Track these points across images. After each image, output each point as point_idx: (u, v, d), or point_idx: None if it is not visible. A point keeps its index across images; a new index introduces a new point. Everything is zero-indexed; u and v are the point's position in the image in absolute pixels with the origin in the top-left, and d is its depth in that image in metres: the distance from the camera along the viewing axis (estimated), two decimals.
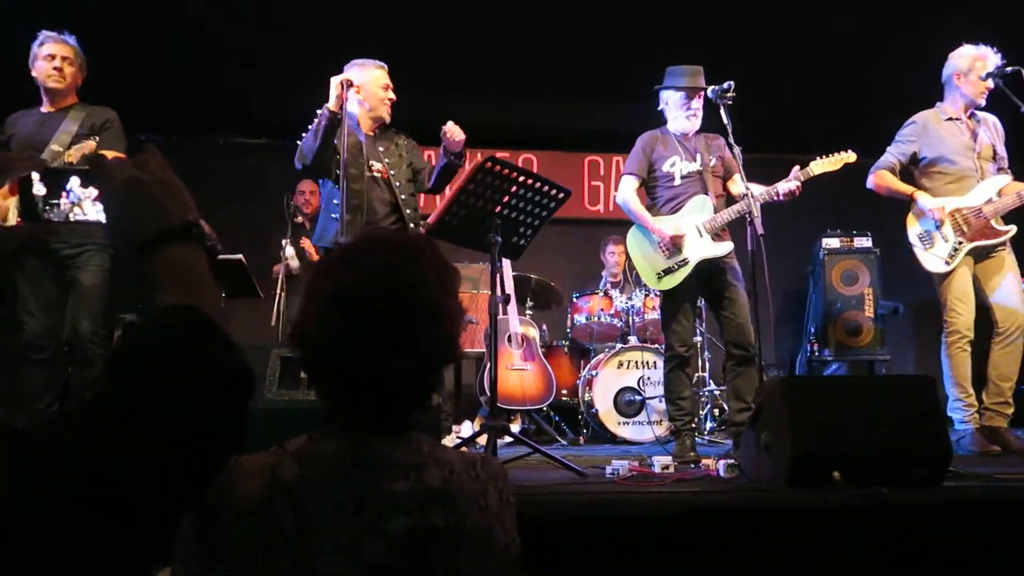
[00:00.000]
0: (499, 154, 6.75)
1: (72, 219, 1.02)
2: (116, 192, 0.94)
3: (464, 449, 3.16)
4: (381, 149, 3.57)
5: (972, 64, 3.84)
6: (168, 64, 5.36)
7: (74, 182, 1.06)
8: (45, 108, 3.56)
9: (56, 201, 1.03)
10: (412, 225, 3.53)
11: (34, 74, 3.54)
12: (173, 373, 0.75)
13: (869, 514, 2.10)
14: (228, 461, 0.82)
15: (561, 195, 3.04)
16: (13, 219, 3.23)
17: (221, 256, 5.00)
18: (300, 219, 5.38)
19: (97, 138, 3.37)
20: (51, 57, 3.51)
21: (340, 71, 3.44)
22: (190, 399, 0.75)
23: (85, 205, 1.04)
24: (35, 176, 1.00)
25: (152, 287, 0.86)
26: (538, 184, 2.96)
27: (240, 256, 4.80)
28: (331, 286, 1.06)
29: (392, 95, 3.61)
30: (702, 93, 3.67)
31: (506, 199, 2.94)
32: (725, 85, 3.47)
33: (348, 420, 1.08)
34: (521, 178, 2.91)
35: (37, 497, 0.65)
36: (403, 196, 3.52)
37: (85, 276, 3.46)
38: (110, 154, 3.32)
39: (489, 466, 1.15)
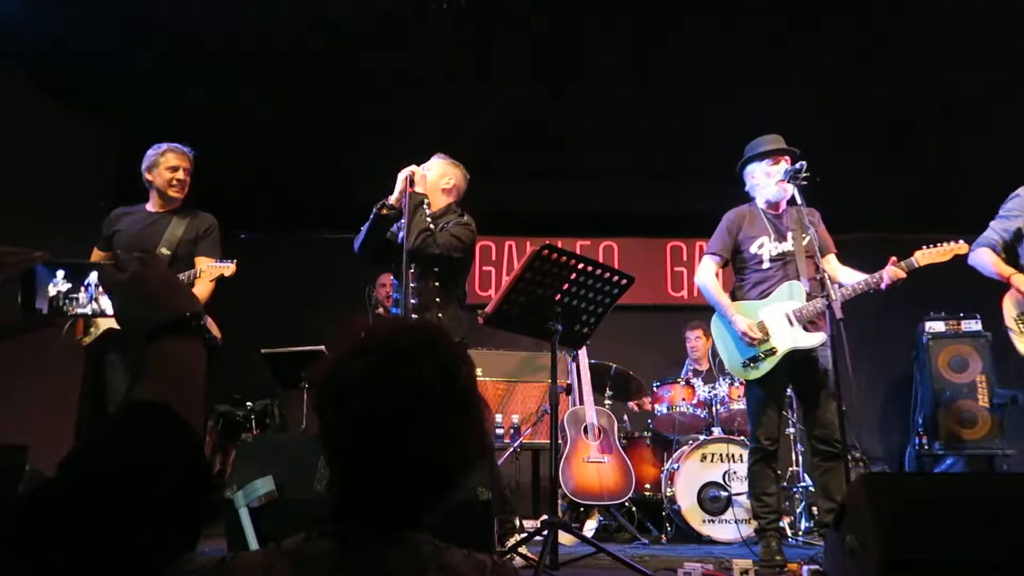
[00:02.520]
0: (579, 242, 6.87)
1: (90, 312, 1.06)
2: (121, 287, 0.99)
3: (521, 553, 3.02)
4: None
5: None
6: (256, 163, 5.72)
7: (93, 277, 1.11)
8: (152, 208, 3.65)
9: (76, 295, 1.07)
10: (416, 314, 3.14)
11: (149, 178, 3.63)
12: (123, 469, 0.75)
13: None
14: (179, 558, 0.79)
15: (624, 281, 2.97)
16: (105, 324, 3.37)
17: (304, 348, 5.17)
18: (380, 310, 5.50)
19: (235, 260, 3.50)
20: (174, 168, 3.62)
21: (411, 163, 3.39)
22: (137, 497, 0.74)
23: (102, 300, 1.08)
24: (59, 273, 1.05)
25: (135, 379, 0.88)
26: (598, 271, 2.91)
27: (323, 347, 4.92)
28: (336, 376, 1.03)
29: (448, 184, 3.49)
30: (788, 157, 3.53)
31: (566, 287, 2.89)
32: (797, 166, 3.35)
33: (348, 519, 1.04)
34: (580, 265, 2.86)
35: None
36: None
37: None
38: (215, 270, 3.48)
39: (502, 572, 1.07)
